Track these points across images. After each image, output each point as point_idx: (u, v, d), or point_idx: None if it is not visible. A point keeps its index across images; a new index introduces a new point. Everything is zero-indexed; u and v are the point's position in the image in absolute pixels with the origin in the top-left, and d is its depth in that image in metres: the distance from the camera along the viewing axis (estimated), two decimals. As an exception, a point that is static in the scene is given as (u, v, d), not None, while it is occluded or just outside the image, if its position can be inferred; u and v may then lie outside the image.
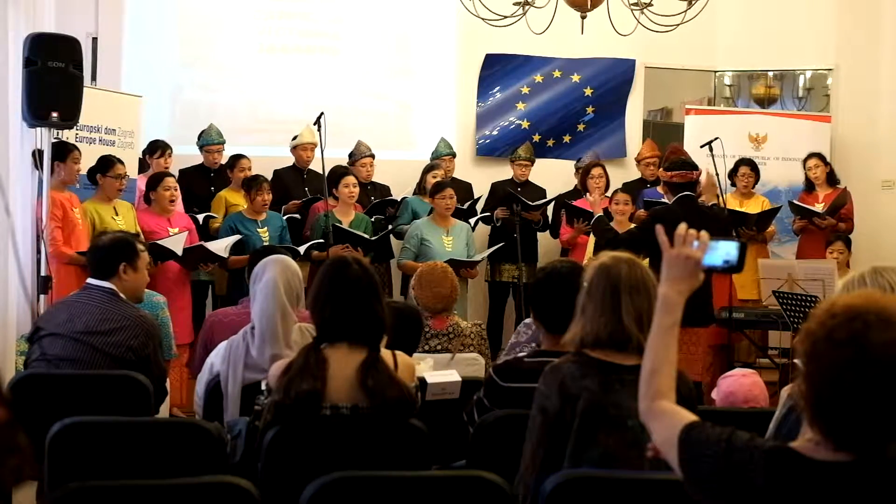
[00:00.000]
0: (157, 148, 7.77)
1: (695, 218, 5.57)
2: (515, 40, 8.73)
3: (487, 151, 9.72)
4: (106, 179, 6.64)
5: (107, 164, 6.68)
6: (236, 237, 7.04)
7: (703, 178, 6.59)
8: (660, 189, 6.58)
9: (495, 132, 9.77)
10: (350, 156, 8.60)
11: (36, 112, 5.48)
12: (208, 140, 8.29)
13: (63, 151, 6.18)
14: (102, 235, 4.68)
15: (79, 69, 5.65)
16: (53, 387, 3.99)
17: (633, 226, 7.64)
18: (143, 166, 7.86)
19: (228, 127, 8.57)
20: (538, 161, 9.29)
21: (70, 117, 5.63)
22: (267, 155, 8.56)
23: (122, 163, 6.70)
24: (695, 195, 6.36)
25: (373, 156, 8.57)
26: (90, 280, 4.37)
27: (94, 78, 8.39)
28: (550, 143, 9.84)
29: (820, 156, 8.62)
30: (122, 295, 4.31)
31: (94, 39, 8.78)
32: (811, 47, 9.87)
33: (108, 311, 4.21)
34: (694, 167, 6.50)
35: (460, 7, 7.05)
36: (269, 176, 7.95)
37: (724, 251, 2.33)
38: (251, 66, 9.32)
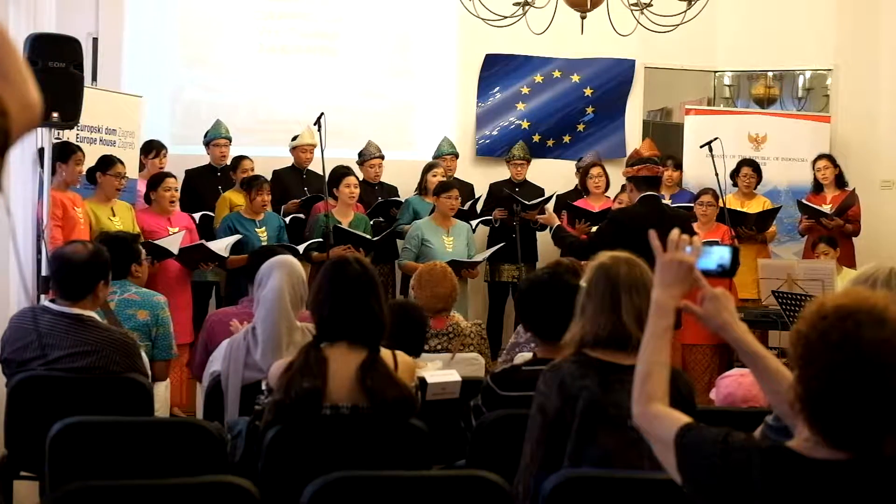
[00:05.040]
0: (153, 148, 7.78)
1: (657, 219, 5.61)
2: (515, 40, 8.73)
3: (487, 152, 9.71)
4: (105, 178, 6.62)
5: (107, 162, 6.67)
6: (236, 237, 7.04)
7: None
8: (628, 187, 6.51)
9: (495, 132, 9.77)
10: (359, 155, 8.60)
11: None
12: (216, 134, 8.29)
13: (66, 152, 6.18)
14: (72, 247, 4.21)
15: (79, 69, 5.65)
16: (54, 388, 3.99)
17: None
18: (142, 167, 7.86)
19: (228, 127, 8.56)
20: (538, 161, 9.31)
21: (71, 118, 5.62)
22: (267, 155, 8.56)
23: (122, 162, 6.70)
24: (659, 195, 6.31)
25: (382, 156, 8.57)
26: (53, 306, 4.06)
27: (94, 78, 8.39)
28: (550, 143, 9.84)
29: (830, 157, 8.61)
30: (91, 315, 4.09)
31: (95, 39, 8.79)
32: (811, 47, 9.89)
33: (79, 342, 4.00)
34: (658, 163, 6.44)
35: (460, 7, 7.05)
36: (269, 176, 7.95)
37: (717, 255, 2.35)
38: (251, 66, 9.33)
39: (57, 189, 6.01)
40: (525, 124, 9.79)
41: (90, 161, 6.75)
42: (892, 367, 1.95)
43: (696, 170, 8.83)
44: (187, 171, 8.28)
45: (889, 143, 9.53)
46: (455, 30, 9.53)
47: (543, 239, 8.88)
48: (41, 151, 5.73)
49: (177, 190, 7.10)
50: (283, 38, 9.41)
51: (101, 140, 7.21)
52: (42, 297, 5.44)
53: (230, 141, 8.35)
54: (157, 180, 7.02)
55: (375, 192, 8.55)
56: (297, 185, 8.40)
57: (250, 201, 7.36)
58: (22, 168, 5.65)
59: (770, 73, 10.21)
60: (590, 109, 9.92)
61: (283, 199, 8.18)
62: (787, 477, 2.00)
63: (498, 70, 9.76)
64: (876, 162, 9.59)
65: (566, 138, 9.89)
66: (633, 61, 9.82)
